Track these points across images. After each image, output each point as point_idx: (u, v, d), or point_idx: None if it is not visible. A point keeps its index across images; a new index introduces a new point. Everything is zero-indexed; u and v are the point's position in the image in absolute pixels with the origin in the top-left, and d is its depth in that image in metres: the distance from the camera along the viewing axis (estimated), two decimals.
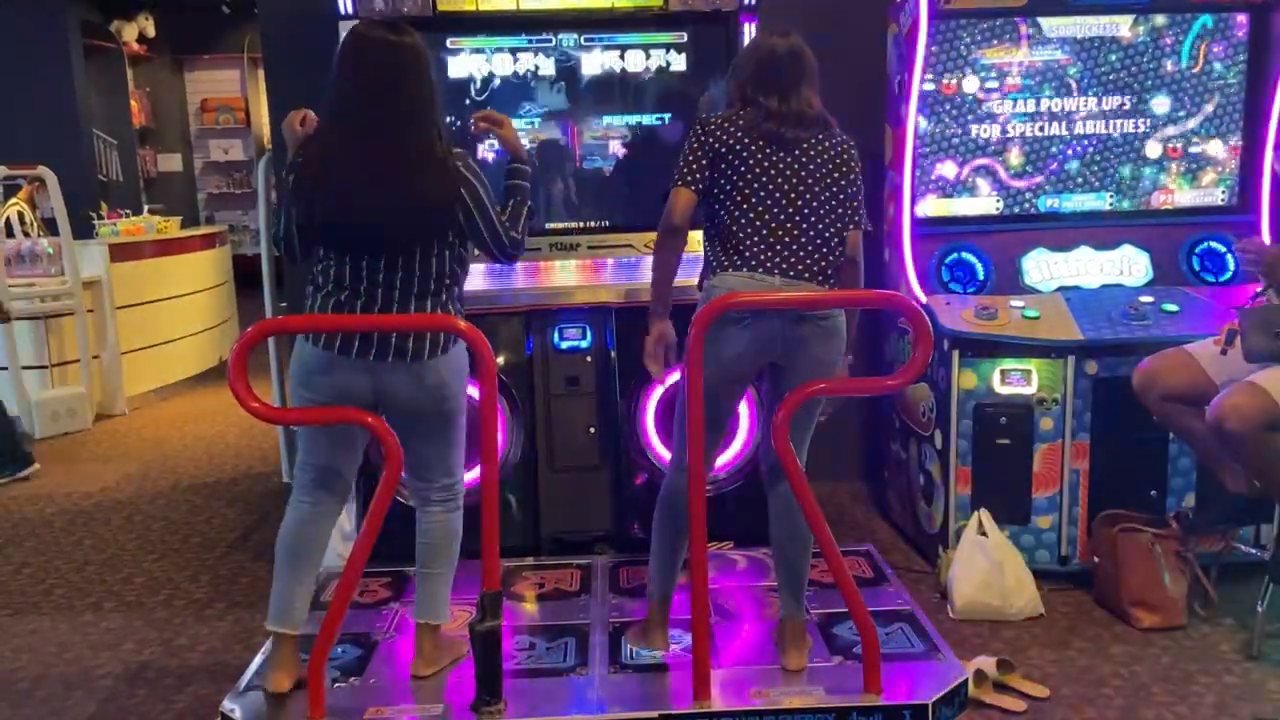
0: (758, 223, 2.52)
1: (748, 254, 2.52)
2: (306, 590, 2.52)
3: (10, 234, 5.84)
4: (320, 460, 2.51)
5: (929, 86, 3.37)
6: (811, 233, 2.55)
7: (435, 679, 2.53)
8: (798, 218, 2.54)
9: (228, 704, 2.43)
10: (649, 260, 3.48)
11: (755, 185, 2.53)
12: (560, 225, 3.62)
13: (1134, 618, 2.98)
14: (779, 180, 2.53)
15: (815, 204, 2.55)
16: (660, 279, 2.64)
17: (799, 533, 2.56)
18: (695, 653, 2.34)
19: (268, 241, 4.35)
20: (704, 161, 2.53)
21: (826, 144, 2.57)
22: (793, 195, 2.54)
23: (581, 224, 3.62)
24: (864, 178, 2.64)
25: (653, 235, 3.45)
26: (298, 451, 2.58)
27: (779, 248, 2.53)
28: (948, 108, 3.40)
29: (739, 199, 2.53)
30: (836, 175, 2.57)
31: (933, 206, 3.46)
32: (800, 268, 2.54)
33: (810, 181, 2.54)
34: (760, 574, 3.16)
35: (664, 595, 2.65)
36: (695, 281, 2.67)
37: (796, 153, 2.54)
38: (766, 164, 2.53)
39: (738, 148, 2.52)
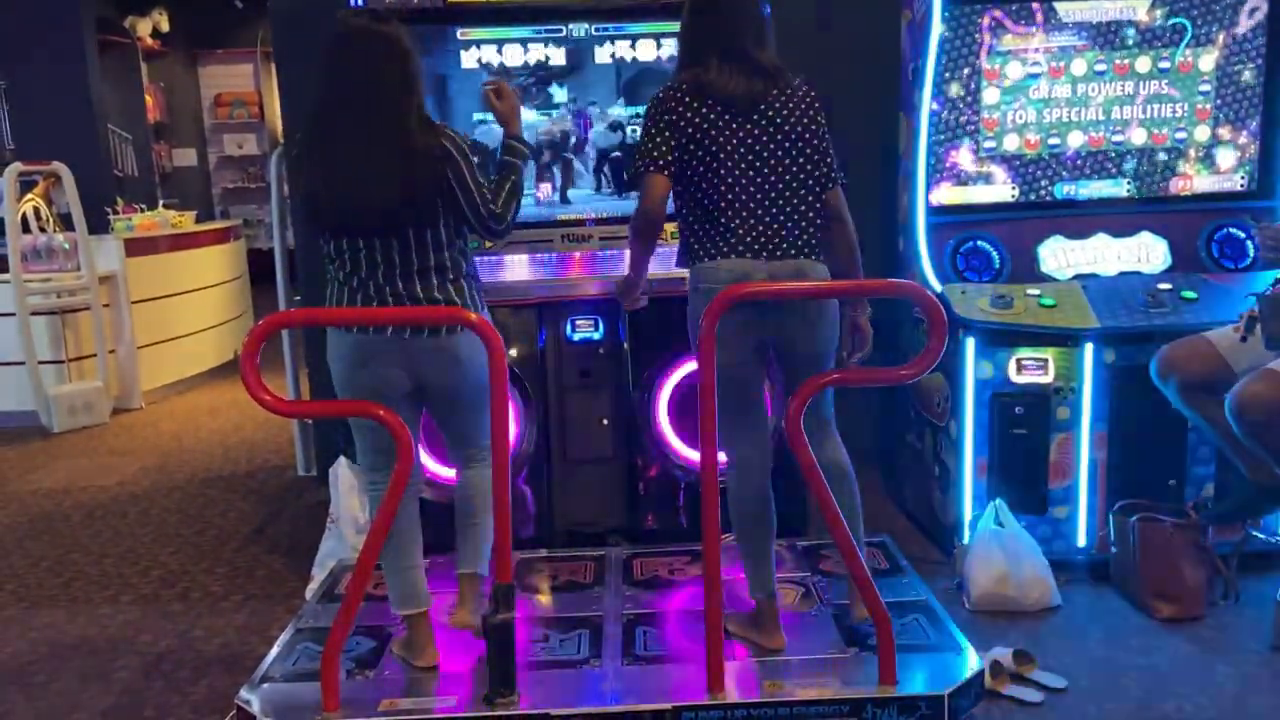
0: (733, 201, 2.50)
1: (731, 238, 2.51)
2: (419, 569, 2.61)
3: (27, 229, 5.87)
4: (379, 447, 2.56)
5: (943, 73, 3.34)
6: (791, 204, 2.53)
7: (445, 674, 2.53)
8: (773, 192, 2.52)
9: (243, 695, 2.43)
10: (661, 251, 3.48)
11: (723, 158, 2.48)
12: (572, 216, 3.61)
13: (1153, 608, 2.96)
14: (746, 152, 2.50)
15: (789, 172, 2.53)
16: (637, 270, 2.76)
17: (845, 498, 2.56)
18: (709, 644, 2.33)
19: (281, 235, 4.38)
20: (671, 143, 2.49)
21: (786, 99, 2.52)
22: (763, 167, 2.51)
23: (594, 215, 3.60)
24: (829, 128, 2.60)
25: (664, 226, 3.47)
26: (357, 451, 2.66)
27: (759, 227, 2.51)
28: (962, 94, 3.37)
29: (710, 176, 2.50)
30: (806, 135, 2.54)
31: (947, 194, 3.43)
32: (785, 245, 2.53)
33: (781, 144, 2.51)
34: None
35: (768, 591, 2.62)
36: (678, 273, 2.66)
37: (756, 116, 2.49)
38: (729, 133, 2.48)
39: (697, 120, 2.48)
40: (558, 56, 3.51)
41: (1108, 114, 3.41)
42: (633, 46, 3.51)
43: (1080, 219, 3.41)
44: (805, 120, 2.54)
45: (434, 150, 2.43)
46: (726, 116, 2.49)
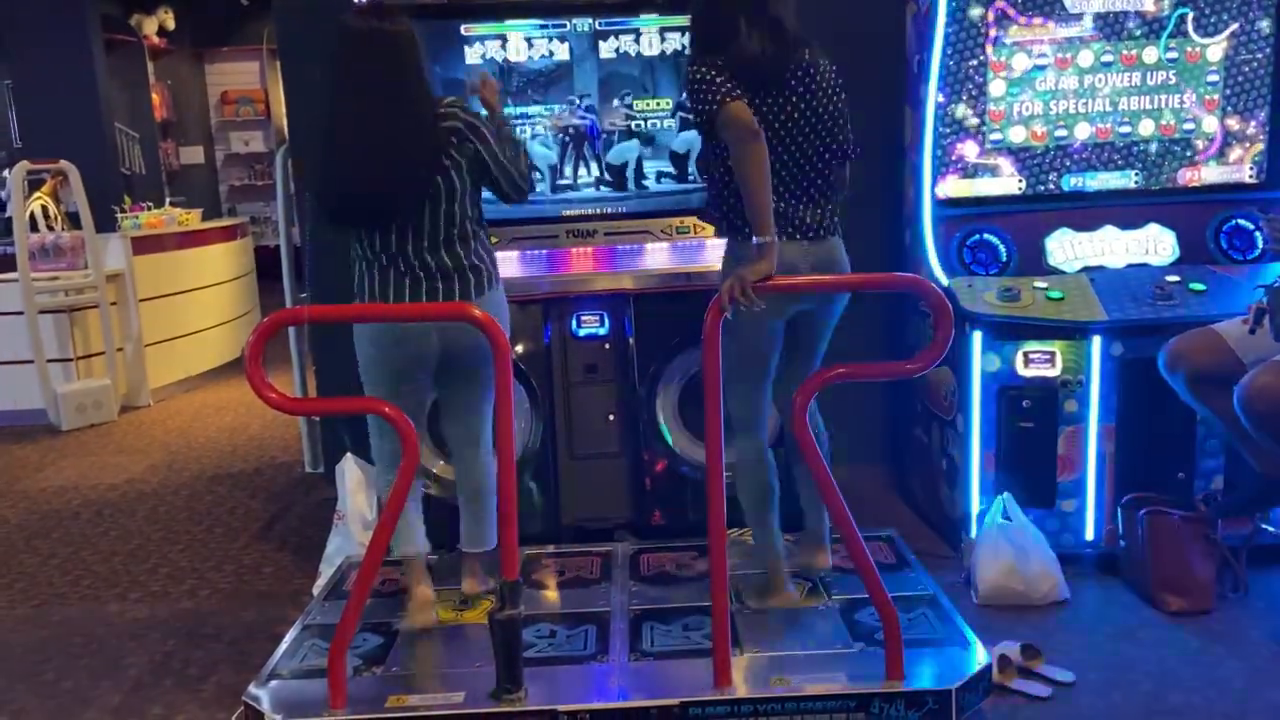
0: (773, 183, 2.51)
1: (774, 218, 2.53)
2: (416, 513, 2.80)
3: (34, 228, 5.89)
4: (388, 430, 2.66)
5: (949, 65, 3.32)
6: (826, 179, 2.62)
7: (452, 671, 2.53)
8: (807, 173, 2.59)
9: (252, 692, 2.44)
10: (666, 246, 3.49)
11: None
12: (577, 212, 3.60)
13: (1161, 602, 2.95)
14: (785, 134, 2.54)
15: (816, 151, 2.59)
16: (761, 190, 2.43)
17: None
18: (715, 639, 2.33)
19: (288, 232, 4.38)
20: (731, 82, 2.45)
21: (814, 74, 2.57)
22: (796, 150, 2.57)
23: (598, 210, 3.60)
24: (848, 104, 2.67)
25: (669, 220, 3.50)
26: (374, 449, 2.78)
27: (799, 207, 2.58)
28: (968, 87, 3.35)
29: None
30: (832, 110, 2.61)
31: (954, 187, 3.41)
32: (823, 225, 2.63)
33: (811, 123, 2.57)
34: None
35: (778, 552, 2.79)
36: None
37: (788, 92, 2.53)
38: (763, 114, 2.50)
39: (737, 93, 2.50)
40: (561, 51, 3.50)
41: (1115, 105, 3.39)
42: (636, 41, 3.50)
43: (1088, 211, 3.39)
44: (832, 95, 2.61)
45: (449, 131, 2.56)
46: (761, 99, 2.51)
